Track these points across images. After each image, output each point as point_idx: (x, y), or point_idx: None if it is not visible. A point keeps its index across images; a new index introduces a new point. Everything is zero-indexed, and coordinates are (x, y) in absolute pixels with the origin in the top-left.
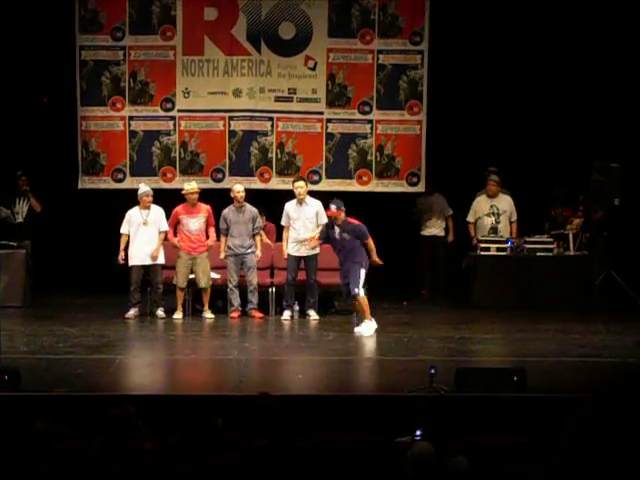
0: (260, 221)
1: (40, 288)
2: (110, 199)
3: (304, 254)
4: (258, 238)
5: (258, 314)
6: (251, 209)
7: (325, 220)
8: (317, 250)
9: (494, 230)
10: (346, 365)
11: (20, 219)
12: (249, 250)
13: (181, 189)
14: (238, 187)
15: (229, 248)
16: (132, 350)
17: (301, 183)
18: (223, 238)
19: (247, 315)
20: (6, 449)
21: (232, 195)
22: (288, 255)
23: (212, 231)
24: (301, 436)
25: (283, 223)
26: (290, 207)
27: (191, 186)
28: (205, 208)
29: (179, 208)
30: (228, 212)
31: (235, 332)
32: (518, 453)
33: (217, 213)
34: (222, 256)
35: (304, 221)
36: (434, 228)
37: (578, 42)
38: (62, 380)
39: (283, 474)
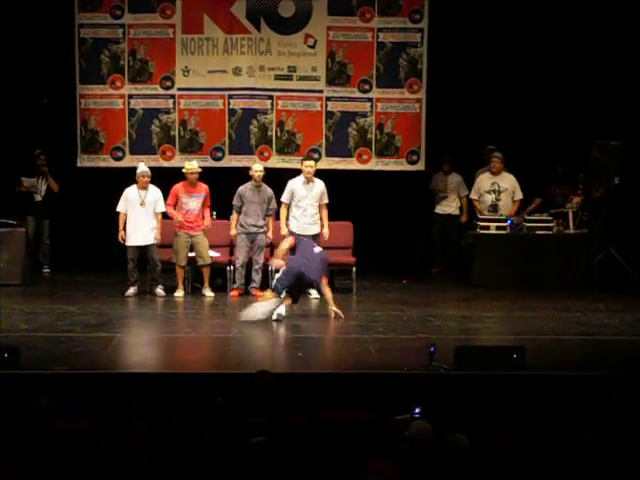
0: (275, 203)
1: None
2: (109, 177)
3: (308, 232)
4: (270, 220)
5: (259, 293)
6: (267, 190)
7: (326, 201)
8: (319, 229)
9: (494, 207)
10: (346, 343)
11: (39, 198)
12: (261, 230)
13: (180, 167)
14: (257, 166)
15: (241, 226)
16: (131, 328)
17: (311, 162)
18: (235, 215)
19: (249, 293)
20: (6, 427)
21: (250, 173)
22: (294, 234)
23: (207, 212)
24: (300, 414)
25: (284, 200)
26: (297, 185)
27: (192, 165)
28: (204, 187)
29: (178, 186)
30: (244, 190)
31: (235, 310)
32: (517, 431)
33: (217, 191)
34: (233, 232)
35: (310, 200)
36: (449, 207)
37: (579, 19)
38: (62, 358)
39: (281, 451)
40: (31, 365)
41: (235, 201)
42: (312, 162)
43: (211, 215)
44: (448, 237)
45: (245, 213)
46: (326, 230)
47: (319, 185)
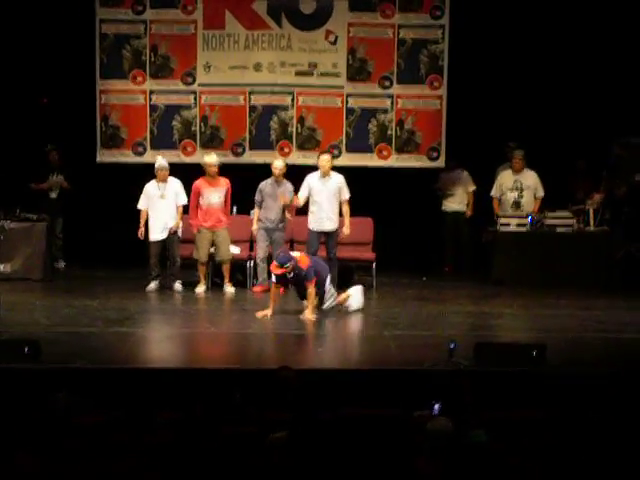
0: (288, 199)
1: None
2: (130, 173)
3: (325, 228)
4: (287, 213)
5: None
6: (288, 185)
7: (348, 196)
8: (337, 225)
9: (517, 205)
10: (366, 339)
11: (54, 195)
12: (280, 225)
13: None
14: (278, 163)
15: (260, 221)
16: (152, 323)
17: (327, 157)
18: (256, 210)
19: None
20: (26, 421)
21: (272, 169)
22: (310, 230)
23: (227, 209)
24: (322, 410)
25: (301, 195)
26: (313, 180)
27: (212, 159)
28: (225, 181)
29: (199, 182)
30: (265, 185)
31: (255, 306)
32: (537, 428)
33: (238, 187)
34: (254, 227)
35: (327, 195)
36: (456, 204)
37: (602, 14)
38: (82, 353)
39: (304, 447)
40: (52, 360)
41: (256, 196)
42: (328, 156)
43: (231, 211)
44: (459, 234)
45: (265, 208)
46: (345, 229)
47: (336, 179)
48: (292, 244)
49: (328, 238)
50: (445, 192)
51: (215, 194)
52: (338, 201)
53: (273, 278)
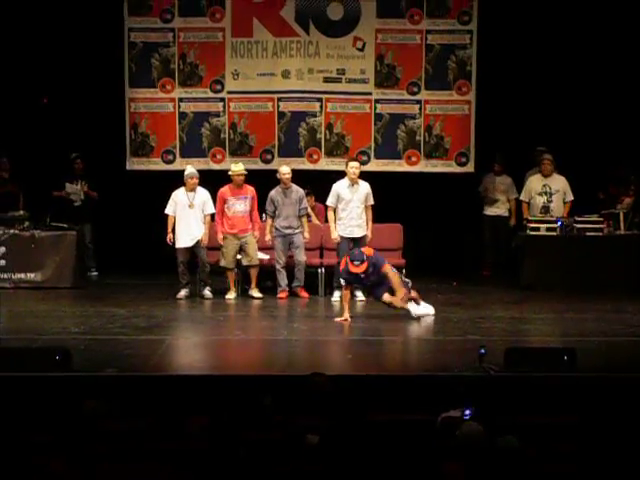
0: (306, 202)
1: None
2: (160, 181)
3: (354, 235)
4: (304, 220)
5: (304, 293)
6: (297, 190)
7: (372, 202)
8: (365, 232)
9: (546, 209)
10: (395, 345)
11: (79, 202)
12: (296, 231)
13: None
14: (284, 169)
15: (276, 229)
16: (181, 331)
17: (356, 164)
18: (269, 220)
19: (293, 293)
20: (56, 428)
21: (278, 177)
22: (340, 237)
23: (256, 216)
24: (352, 415)
25: (330, 204)
26: (342, 188)
27: (238, 167)
28: (250, 189)
29: (225, 189)
30: (275, 194)
31: (284, 312)
32: (568, 433)
33: (267, 194)
34: (267, 238)
35: (356, 202)
36: (499, 209)
37: (632, 17)
38: (112, 360)
39: (336, 452)
40: (82, 367)
41: (268, 206)
42: (357, 163)
43: (260, 218)
44: (498, 239)
45: (279, 216)
46: (368, 232)
47: (364, 187)
48: (322, 251)
49: (357, 244)
50: (487, 196)
51: (240, 202)
52: (364, 208)
53: (342, 281)
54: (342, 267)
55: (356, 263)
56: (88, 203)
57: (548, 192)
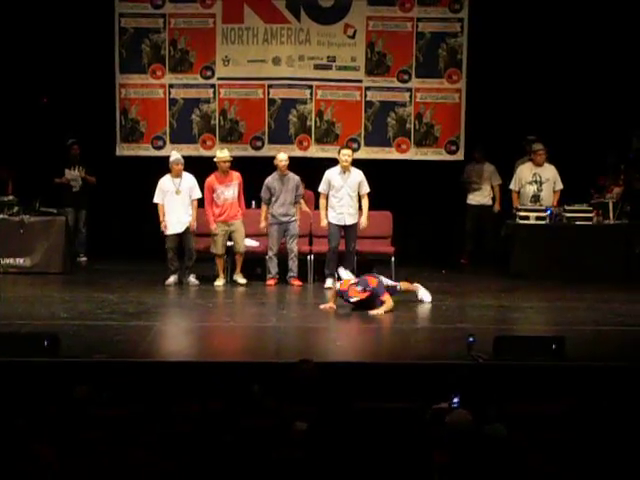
0: (302, 189)
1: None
2: (150, 167)
3: (345, 222)
4: (297, 206)
5: (297, 282)
6: (294, 177)
7: (367, 190)
8: (357, 219)
9: (536, 198)
10: (384, 333)
11: (77, 188)
12: (292, 218)
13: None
14: (282, 156)
15: (272, 216)
16: (170, 317)
17: (349, 151)
18: (264, 207)
19: (287, 283)
20: (45, 415)
21: (275, 163)
22: (330, 224)
23: (242, 200)
24: (341, 403)
25: (322, 190)
26: (333, 175)
27: (224, 154)
28: (237, 175)
29: (211, 179)
30: (272, 181)
31: (273, 299)
32: (556, 421)
33: (257, 180)
34: (262, 225)
35: (347, 190)
36: (482, 197)
37: (622, 8)
38: (101, 346)
39: (324, 439)
40: (71, 353)
41: (263, 193)
42: (349, 151)
43: (249, 205)
44: (483, 228)
45: (276, 203)
46: (364, 220)
47: (356, 174)
48: (311, 238)
49: (348, 232)
50: (471, 185)
51: (228, 189)
52: (357, 195)
53: (351, 299)
54: (343, 288)
55: (359, 288)
56: (86, 188)
57: (538, 181)
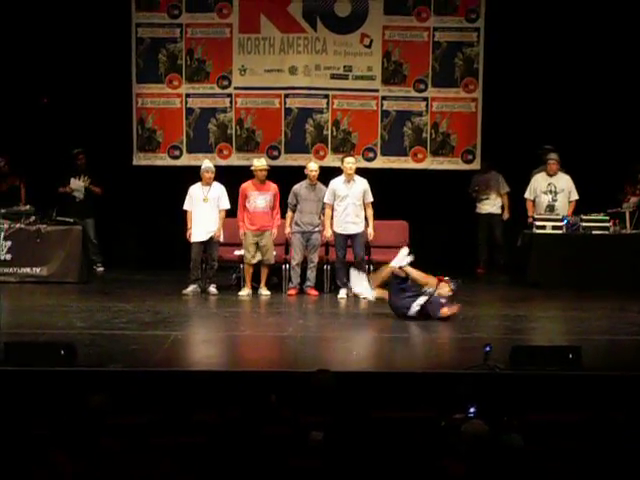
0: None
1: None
2: (166, 176)
3: (350, 232)
4: (324, 217)
5: (314, 292)
6: (322, 188)
7: (371, 199)
8: (362, 228)
9: (551, 208)
10: (401, 342)
11: (80, 197)
12: (316, 229)
13: (237, 166)
14: (312, 165)
15: (296, 225)
16: (187, 326)
17: (352, 159)
18: (290, 214)
19: (304, 292)
20: (62, 423)
21: (306, 172)
22: (336, 234)
23: (277, 215)
24: (357, 412)
25: (327, 201)
26: (337, 184)
27: (261, 162)
28: (273, 186)
29: (247, 184)
30: (299, 188)
31: (290, 309)
32: (573, 431)
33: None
34: (288, 231)
35: (351, 199)
36: (490, 206)
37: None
38: (117, 356)
39: (340, 448)
40: (87, 362)
41: (290, 199)
42: (352, 159)
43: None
44: (493, 236)
45: (300, 211)
46: (370, 230)
47: (360, 183)
48: (327, 248)
49: (354, 241)
50: (479, 195)
51: (262, 198)
52: (362, 205)
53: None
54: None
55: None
56: (90, 198)
57: (553, 191)
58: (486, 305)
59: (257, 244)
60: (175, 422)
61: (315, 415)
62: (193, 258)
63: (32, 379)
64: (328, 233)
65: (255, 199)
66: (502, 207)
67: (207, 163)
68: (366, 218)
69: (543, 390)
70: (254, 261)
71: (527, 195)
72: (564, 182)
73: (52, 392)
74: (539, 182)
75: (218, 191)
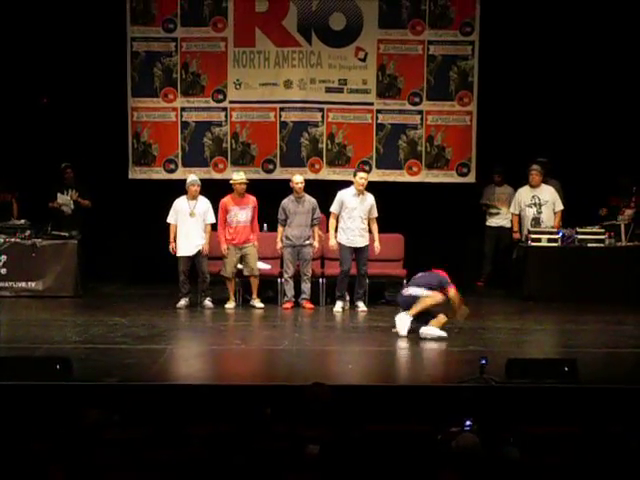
0: (319, 212)
1: (92, 278)
2: (162, 190)
3: (357, 245)
4: (316, 229)
5: (309, 305)
6: (310, 199)
7: (376, 214)
8: (367, 242)
9: (536, 221)
10: (396, 355)
11: (69, 211)
12: (306, 242)
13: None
14: (297, 178)
15: (287, 239)
16: (182, 340)
17: (365, 174)
18: (280, 228)
19: (299, 305)
20: (57, 437)
21: (291, 185)
22: (342, 246)
23: (256, 224)
24: (353, 426)
25: (334, 210)
26: (348, 197)
27: (240, 176)
28: (252, 199)
29: (227, 199)
30: (287, 202)
31: (285, 322)
32: (569, 444)
33: (269, 203)
34: (279, 246)
35: (360, 212)
36: (501, 219)
37: (634, 29)
38: (113, 370)
39: (336, 462)
40: (83, 376)
41: (279, 214)
42: (365, 174)
43: (261, 228)
44: (498, 250)
45: (290, 225)
46: (377, 244)
47: (370, 198)
48: (323, 261)
49: (359, 254)
50: (490, 208)
51: (242, 212)
52: (367, 219)
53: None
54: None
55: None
56: (78, 212)
57: (537, 203)
58: (482, 318)
59: (240, 258)
60: (170, 436)
61: (311, 429)
62: (181, 272)
63: (28, 393)
64: (332, 242)
65: (236, 213)
66: (512, 222)
67: (193, 177)
68: (371, 232)
69: (539, 403)
70: (233, 275)
71: (512, 210)
72: (548, 194)
73: (48, 406)
74: (523, 195)
75: (204, 205)
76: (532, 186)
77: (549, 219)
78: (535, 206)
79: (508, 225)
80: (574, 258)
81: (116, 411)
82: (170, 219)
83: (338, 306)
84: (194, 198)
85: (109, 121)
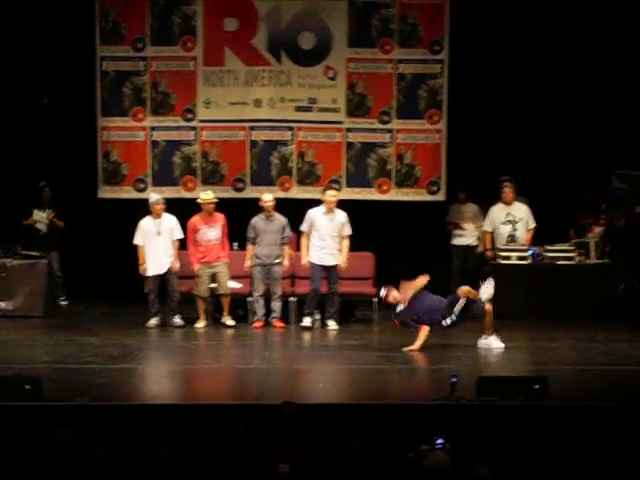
0: (289, 231)
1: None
2: (131, 209)
3: (327, 263)
4: (286, 248)
5: (280, 323)
6: (280, 218)
7: (349, 232)
8: (338, 260)
9: (512, 238)
10: (367, 374)
11: (44, 230)
12: (276, 260)
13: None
14: (267, 196)
15: (256, 257)
16: (153, 359)
17: (334, 192)
18: (250, 247)
19: (269, 324)
20: (28, 458)
21: (261, 204)
22: (312, 264)
23: (226, 242)
24: (324, 444)
25: (304, 229)
26: (317, 215)
27: (208, 195)
28: (220, 217)
29: (195, 219)
30: (257, 221)
31: (256, 341)
32: (539, 461)
33: (239, 222)
34: (247, 264)
35: (330, 230)
36: (467, 238)
37: (601, 51)
38: (83, 389)
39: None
40: (53, 396)
41: (248, 233)
42: (335, 192)
43: (231, 246)
44: (466, 268)
45: (260, 244)
46: (344, 260)
47: (340, 216)
48: (293, 279)
49: (330, 273)
50: (455, 226)
51: (212, 230)
52: (339, 237)
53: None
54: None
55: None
56: (55, 231)
57: (512, 221)
58: (452, 336)
59: (212, 276)
60: (142, 456)
61: (282, 447)
62: (150, 291)
63: None
64: (304, 260)
65: (205, 232)
66: (479, 239)
67: (155, 196)
68: (342, 249)
69: (510, 421)
70: (207, 295)
71: (485, 227)
72: (522, 211)
73: (18, 427)
74: (496, 214)
75: (171, 222)
76: (506, 203)
77: (523, 236)
78: (510, 223)
79: (474, 243)
80: (544, 276)
81: (87, 431)
82: (137, 240)
83: (306, 321)
84: (159, 216)
85: (79, 140)
